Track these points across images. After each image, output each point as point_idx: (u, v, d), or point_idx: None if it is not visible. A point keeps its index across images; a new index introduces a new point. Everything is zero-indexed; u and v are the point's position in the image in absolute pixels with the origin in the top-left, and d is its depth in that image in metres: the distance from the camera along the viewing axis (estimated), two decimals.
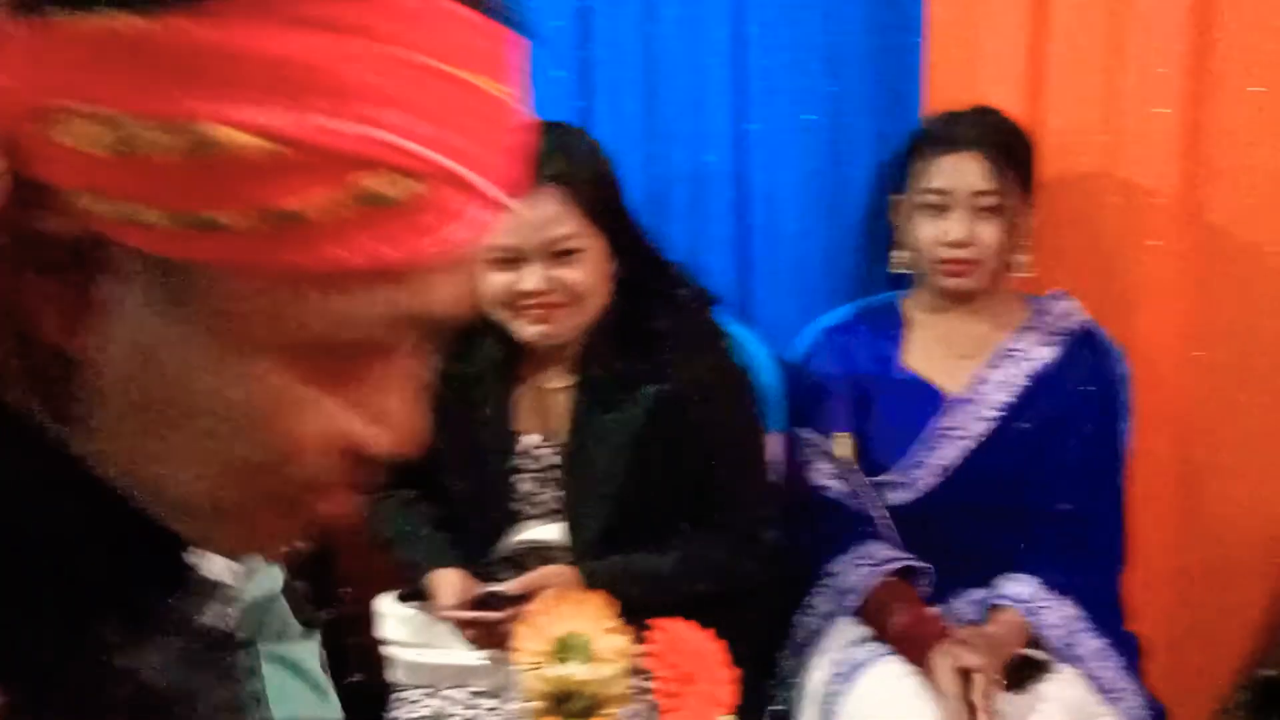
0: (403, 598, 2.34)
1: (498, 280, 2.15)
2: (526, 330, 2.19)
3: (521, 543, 2.32)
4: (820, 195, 2.65)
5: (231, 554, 0.81)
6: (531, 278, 2.13)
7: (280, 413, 0.69)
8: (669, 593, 2.16)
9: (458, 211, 0.67)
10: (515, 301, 2.16)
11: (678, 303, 2.28)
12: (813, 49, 2.59)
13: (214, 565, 1.01)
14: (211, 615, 1.01)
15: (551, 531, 2.30)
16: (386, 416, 0.74)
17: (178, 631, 0.99)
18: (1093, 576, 2.38)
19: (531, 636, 1.73)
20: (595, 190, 2.18)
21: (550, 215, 2.12)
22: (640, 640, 1.75)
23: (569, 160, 2.14)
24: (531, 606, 1.98)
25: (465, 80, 0.66)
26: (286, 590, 1.24)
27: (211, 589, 0.98)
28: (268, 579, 1.20)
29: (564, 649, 1.72)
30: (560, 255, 2.14)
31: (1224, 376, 2.61)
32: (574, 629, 1.71)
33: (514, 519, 2.32)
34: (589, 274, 2.17)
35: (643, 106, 2.66)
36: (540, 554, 2.30)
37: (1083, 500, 2.41)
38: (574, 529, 2.28)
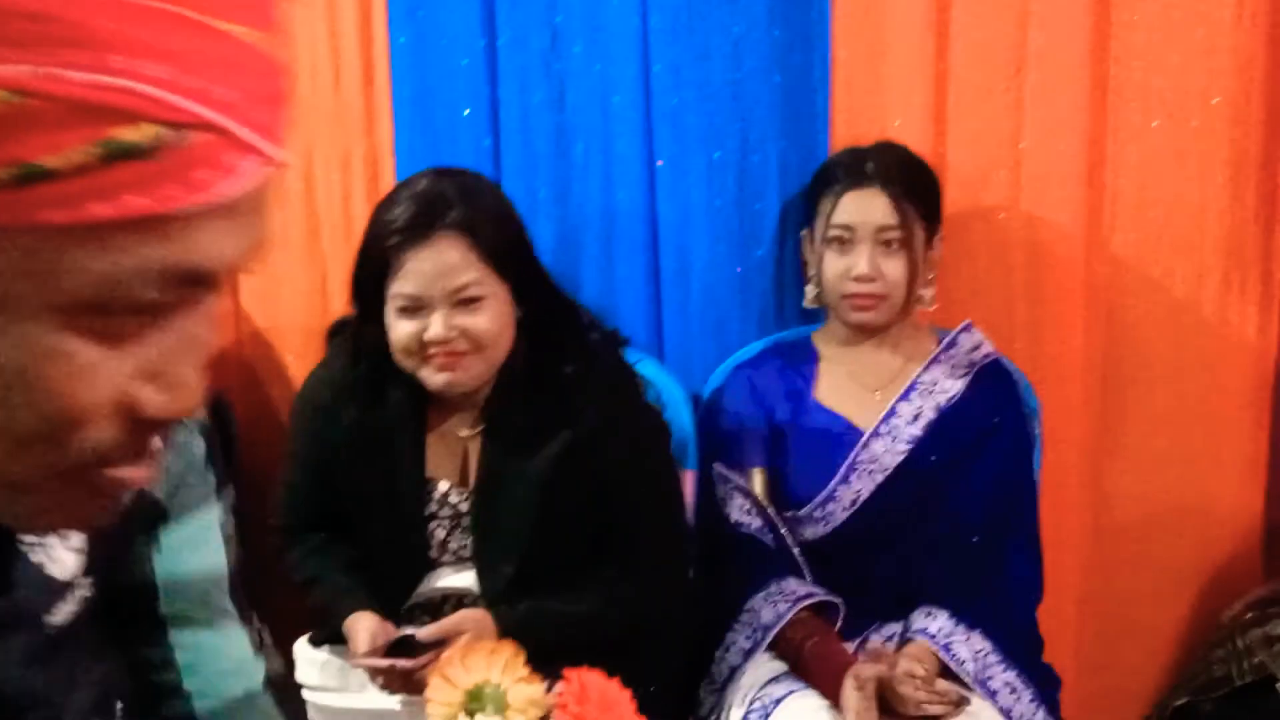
0: (316, 641, 2.32)
1: (403, 329, 2.14)
2: (433, 379, 2.18)
3: (436, 589, 2.31)
4: (730, 231, 2.65)
5: (36, 530, 0.79)
6: (436, 326, 2.12)
7: (58, 378, 0.67)
8: (584, 635, 2.16)
9: (219, 162, 0.65)
10: (421, 350, 2.15)
11: (586, 347, 2.28)
12: (719, 86, 2.60)
13: (65, 565, 0.99)
14: (62, 615, 0.98)
15: (467, 579, 2.29)
16: (168, 380, 0.71)
17: (20, 630, 0.97)
18: (1006, 609, 2.39)
19: (444, 687, 1.72)
20: (498, 236, 2.16)
21: (453, 263, 2.11)
22: (551, 688, 1.74)
23: (470, 207, 2.14)
24: (445, 654, 1.97)
25: (227, 32, 0.65)
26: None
27: (61, 588, 0.96)
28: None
29: (476, 699, 1.71)
30: (464, 303, 2.13)
31: (1133, 407, 2.65)
32: (486, 679, 1.70)
33: (430, 566, 2.31)
34: (493, 321, 2.16)
35: (552, 145, 2.66)
36: (456, 600, 2.30)
37: (995, 532, 2.42)
38: (483, 575, 2.26)
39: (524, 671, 1.72)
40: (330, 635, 2.27)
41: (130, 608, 1.26)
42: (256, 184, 0.68)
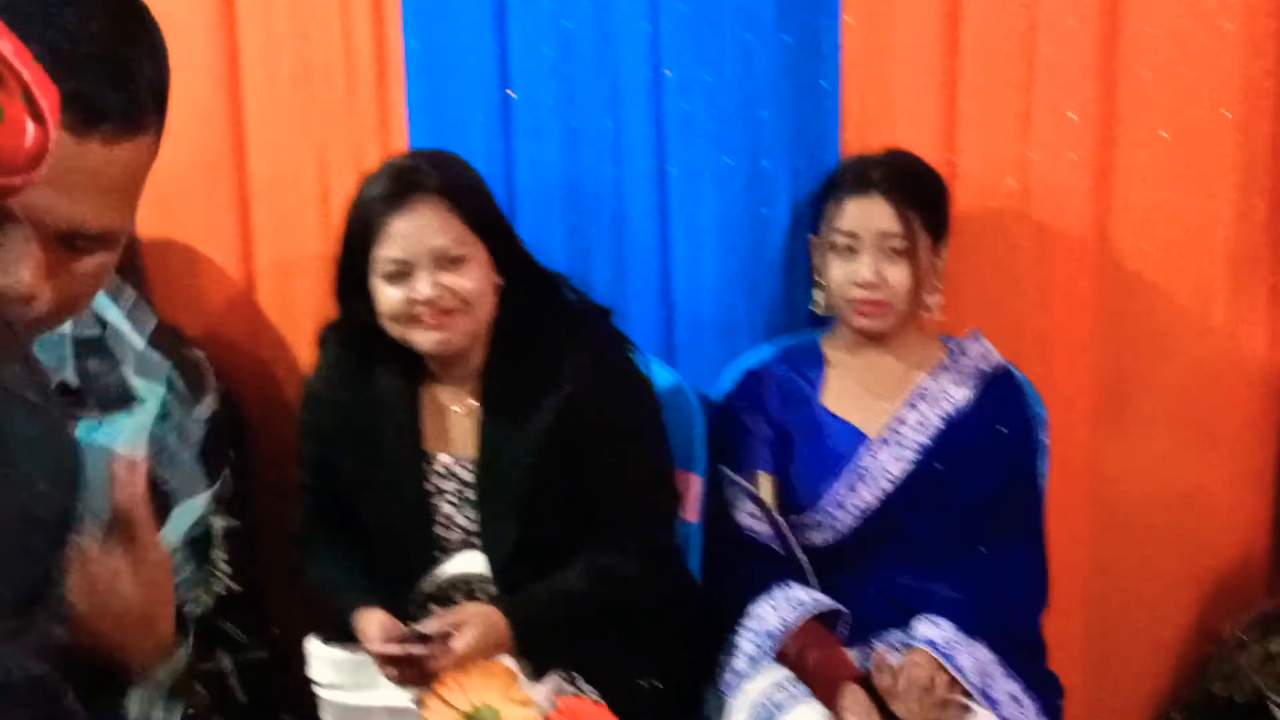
0: (327, 639, 2.35)
1: (391, 295, 2.24)
2: (424, 339, 2.26)
3: (445, 578, 2.34)
4: (740, 237, 2.67)
5: None
6: (423, 285, 2.21)
7: None
8: (581, 612, 2.25)
9: None
10: (410, 311, 2.23)
11: (572, 312, 2.36)
12: (730, 92, 2.61)
13: None
14: None
15: (475, 563, 2.33)
16: None
17: None
18: (1010, 618, 2.40)
19: (442, 709, 1.75)
20: (474, 202, 2.27)
21: (434, 225, 2.22)
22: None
23: (446, 175, 2.26)
24: (444, 673, 2.05)
25: None
26: None
27: None
28: None
29: None
30: (448, 263, 2.22)
31: (1137, 415, 2.65)
32: (483, 700, 1.73)
33: (436, 545, 2.35)
34: (477, 280, 2.25)
35: (562, 150, 2.68)
36: (464, 587, 2.34)
37: (1000, 541, 2.44)
38: (488, 545, 2.31)
39: (520, 694, 1.75)
40: (342, 633, 2.30)
41: None
42: None
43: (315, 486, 2.44)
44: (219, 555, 2.46)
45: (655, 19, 2.60)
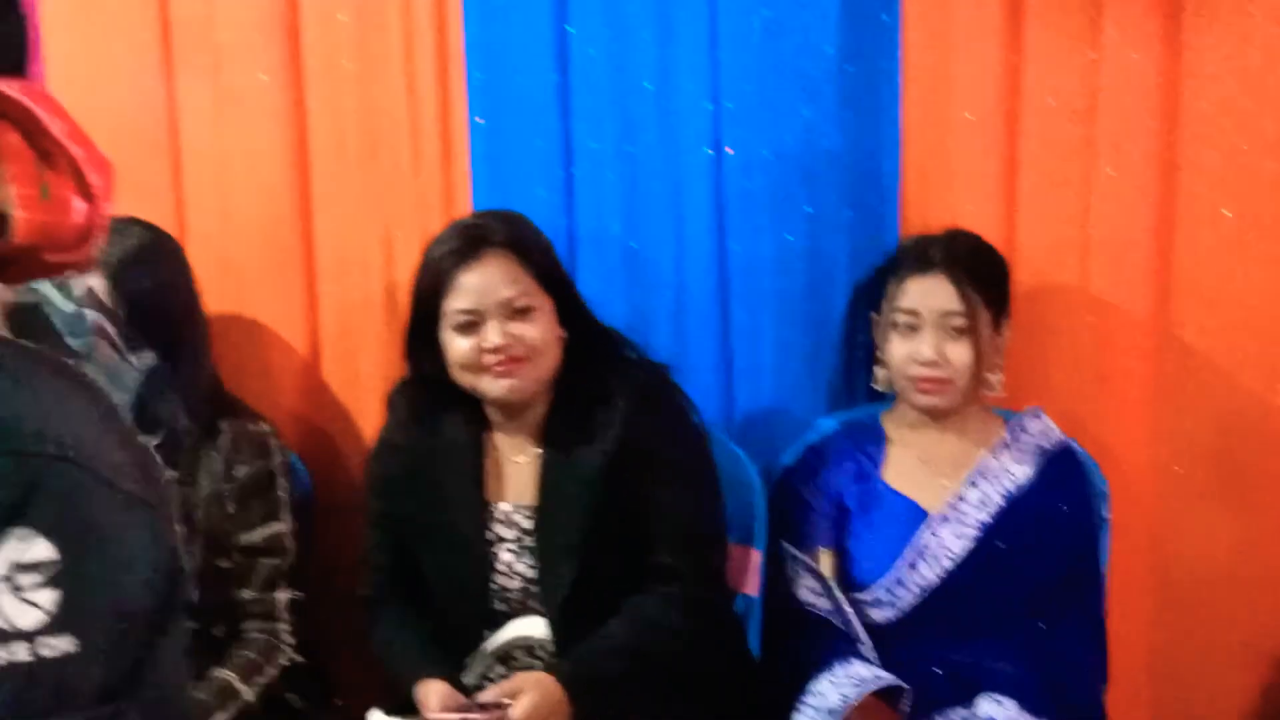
0: (389, 710, 2.37)
1: (461, 345, 2.31)
2: (493, 387, 2.32)
3: (508, 640, 2.37)
4: (800, 313, 2.69)
5: None
6: (493, 334, 2.29)
7: None
8: (633, 665, 2.27)
9: None
10: (479, 361, 2.30)
11: (629, 364, 2.42)
12: (791, 170, 2.64)
13: None
14: None
15: (536, 627, 2.35)
16: None
17: None
18: (1073, 695, 2.38)
19: None
20: (541, 257, 2.36)
21: (503, 276, 2.31)
22: None
23: (512, 230, 2.35)
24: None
25: None
26: None
27: None
28: None
29: None
30: (516, 313, 2.30)
31: (1200, 492, 2.64)
32: None
33: (497, 594, 2.38)
34: (543, 331, 2.33)
35: (623, 226, 2.71)
36: (525, 649, 2.37)
37: (1061, 617, 2.43)
38: (546, 589, 2.34)
39: None
40: (404, 704, 2.32)
41: None
42: None
43: (382, 544, 2.48)
44: (283, 627, 2.48)
45: (717, 98, 2.63)
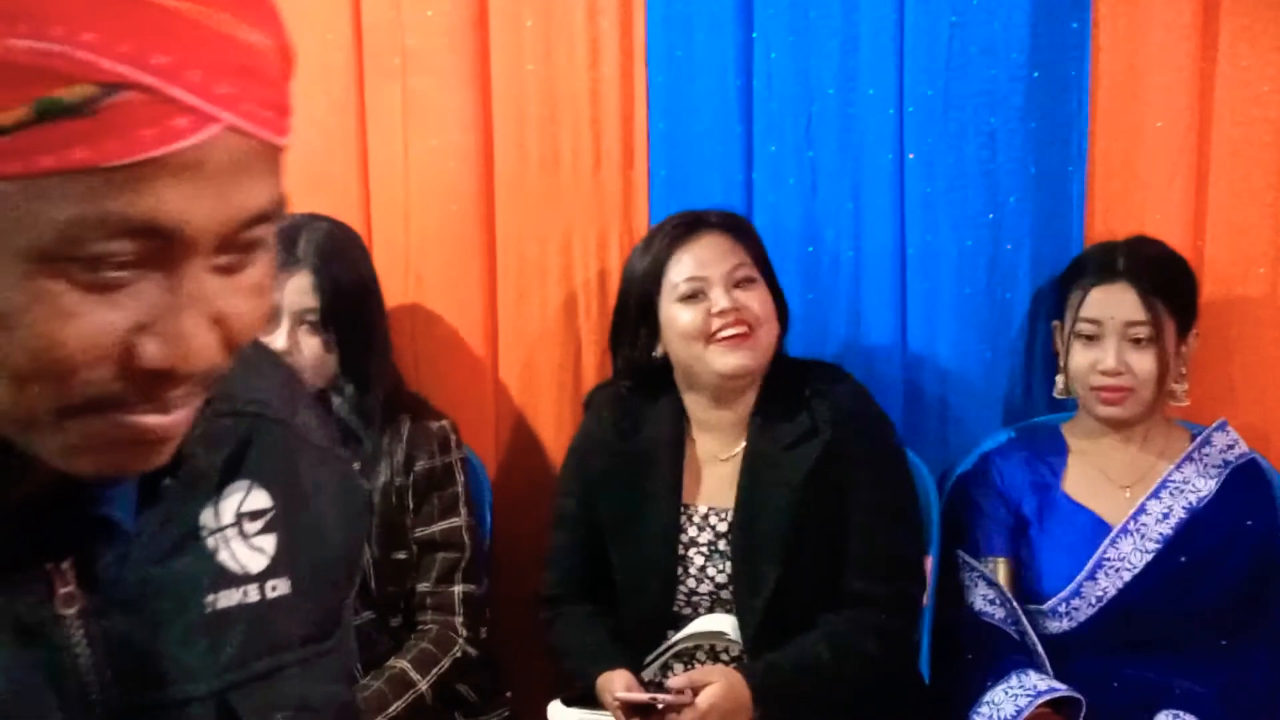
0: (568, 701, 2.39)
1: (686, 314, 2.34)
2: (721, 360, 2.33)
3: (693, 633, 2.37)
4: (979, 319, 2.67)
5: (84, 473, 0.84)
6: (720, 298, 2.32)
7: (42, 319, 0.74)
8: (823, 683, 2.26)
9: (154, 120, 0.73)
10: (708, 328, 2.31)
11: (827, 369, 2.44)
12: (973, 175, 2.63)
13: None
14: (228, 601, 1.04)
15: (723, 623, 2.35)
16: (165, 332, 0.78)
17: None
18: (1255, 713, 2.35)
19: None
20: (754, 239, 2.44)
21: (724, 249, 2.36)
22: None
23: (726, 217, 2.43)
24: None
25: (161, 4, 0.73)
26: None
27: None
28: None
29: None
30: (739, 283, 2.35)
31: None
32: None
33: (685, 598, 2.39)
34: (765, 304, 2.36)
35: (802, 229, 2.72)
36: (710, 644, 2.38)
37: (1246, 638, 2.39)
38: (740, 595, 2.33)
39: None
40: (584, 697, 2.35)
41: None
42: (209, 144, 0.75)
43: (568, 545, 2.49)
44: (458, 619, 2.52)
45: (900, 104, 2.63)
